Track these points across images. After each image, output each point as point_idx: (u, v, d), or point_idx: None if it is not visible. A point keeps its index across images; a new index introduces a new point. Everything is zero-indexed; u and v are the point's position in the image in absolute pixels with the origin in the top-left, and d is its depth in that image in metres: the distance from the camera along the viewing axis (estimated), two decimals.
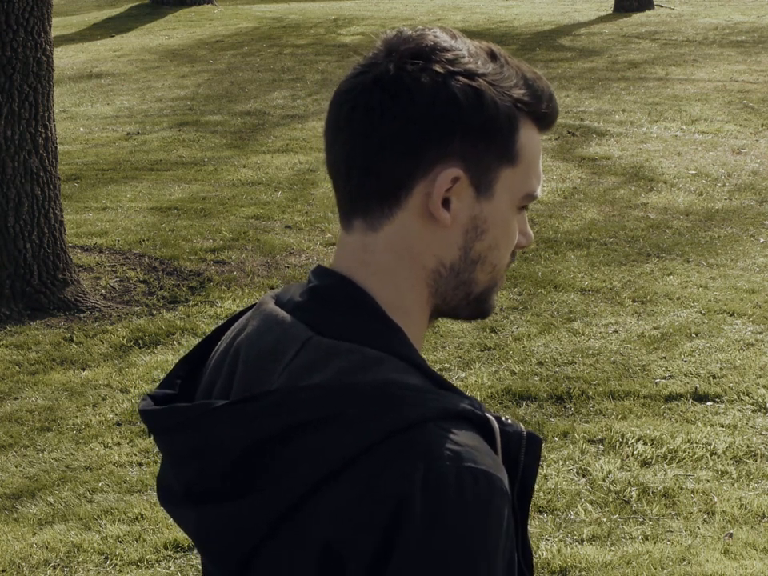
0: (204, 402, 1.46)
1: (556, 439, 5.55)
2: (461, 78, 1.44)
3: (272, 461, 1.39)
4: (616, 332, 6.78)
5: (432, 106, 1.44)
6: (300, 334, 1.47)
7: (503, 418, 1.46)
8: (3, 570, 4.70)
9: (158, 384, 1.62)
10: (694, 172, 10.20)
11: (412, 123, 1.44)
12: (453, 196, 1.46)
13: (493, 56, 1.48)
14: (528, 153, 1.49)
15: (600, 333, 6.77)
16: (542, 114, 1.50)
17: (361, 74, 1.48)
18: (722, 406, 5.89)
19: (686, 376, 6.18)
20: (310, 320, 1.48)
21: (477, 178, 1.47)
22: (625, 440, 5.52)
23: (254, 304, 1.60)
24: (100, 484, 5.27)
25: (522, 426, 1.49)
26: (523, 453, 1.46)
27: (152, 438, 1.56)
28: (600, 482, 5.19)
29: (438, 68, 1.44)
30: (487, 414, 1.44)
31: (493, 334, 6.77)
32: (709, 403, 5.92)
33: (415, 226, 1.47)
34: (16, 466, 5.46)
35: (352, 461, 1.36)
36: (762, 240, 8.42)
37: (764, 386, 6.06)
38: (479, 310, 1.55)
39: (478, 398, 5.88)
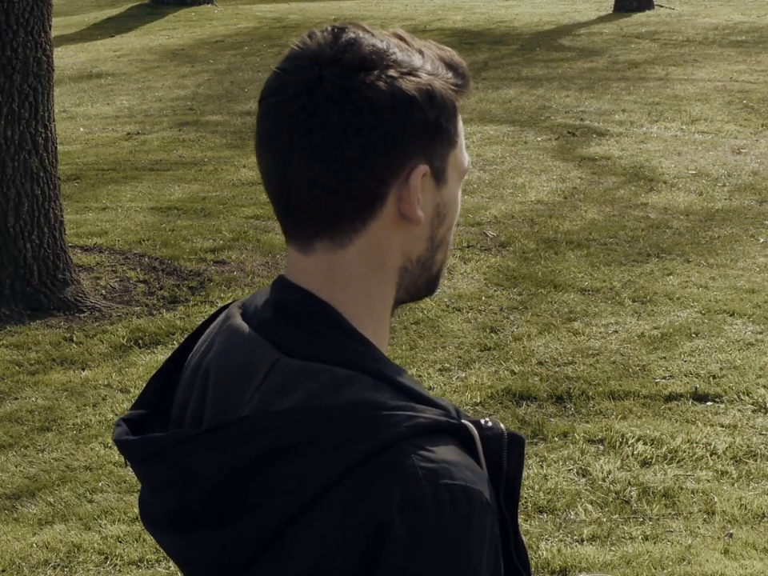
0: (176, 432, 1.43)
1: (556, 439, 5.55)
2: (410, 77, 1.42)
3: (249, 489, 1.36)
4: (616, 332, 6.78)
5: (395, 113, 1.41)
6: (267, 356, 1.43)
7: (482, 421, 1.43)
8: (3, 570, 4.70)
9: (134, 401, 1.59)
10: (693, 172, 10.20)
11: (379, 133, 1.41)
12: (420, 192, 1.45)
13: (408, 43, 1.46)
14: (461, 129, 1.49)
15: (600, 333, 6.77)
16: (466, 89, 1.49)
17: (304, 93, 1.41)
18: (722, 406, 5.89)
19: (686, 376, 6.18)
20: (277, 339, 1.44)
21: (435, 168, 1.46)
22: (625, 440, 5.52)
23: (224, 307, 1.56)
24: (100, 484, 5.27)
25: (502, 426, 1.45)
26: (505, 454, 1.44)
27: (128, 465, 1.53)
28: (600, 482, 5.18)
29: (392, 73, 1.41)
30: (464, 421, 1.41)
31: (493, 334, 6.77)
32: (709, 403, 5.92)
33: (387, 232, 1.44)
34: (16, 466, 5.46)
35: (328, 488, 1.34)
36: (762, 240, 8.42)
37: (764, 386, 6.06)
38: (433, 286, 1.53)
39: (478, 398, 5.92)
